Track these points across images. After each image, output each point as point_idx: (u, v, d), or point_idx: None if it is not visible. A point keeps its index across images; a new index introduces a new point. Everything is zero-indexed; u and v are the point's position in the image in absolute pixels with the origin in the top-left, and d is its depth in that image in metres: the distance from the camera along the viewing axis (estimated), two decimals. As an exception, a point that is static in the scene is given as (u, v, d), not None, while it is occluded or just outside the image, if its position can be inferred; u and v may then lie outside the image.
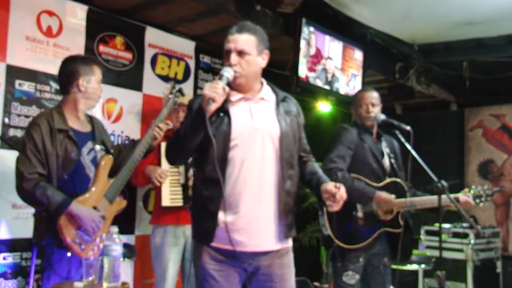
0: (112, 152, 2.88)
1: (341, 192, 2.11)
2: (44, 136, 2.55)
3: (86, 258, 2.30)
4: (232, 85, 2.17)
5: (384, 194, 3.03)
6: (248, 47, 2.17)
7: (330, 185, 2.15)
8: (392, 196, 3.05)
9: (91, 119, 2.85)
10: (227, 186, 2.11)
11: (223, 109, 2.15)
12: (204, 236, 2.16)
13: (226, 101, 2.16)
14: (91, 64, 2.77)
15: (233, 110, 2.17)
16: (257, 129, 2.17)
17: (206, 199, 2.14)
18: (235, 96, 2.21)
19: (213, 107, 2.06)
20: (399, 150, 3.35)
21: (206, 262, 2.15)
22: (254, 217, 2.12)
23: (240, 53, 2.16)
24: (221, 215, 2.11)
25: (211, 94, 2.03)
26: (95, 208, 2.63)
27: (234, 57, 2.15)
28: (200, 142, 2.13)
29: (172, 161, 2.31)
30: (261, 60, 2.23)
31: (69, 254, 2.53)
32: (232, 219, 2.10)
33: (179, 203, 3.46)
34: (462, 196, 3.19)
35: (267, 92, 2.28)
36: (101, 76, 2.81)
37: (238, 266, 2.17)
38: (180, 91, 3.30)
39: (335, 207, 2.12)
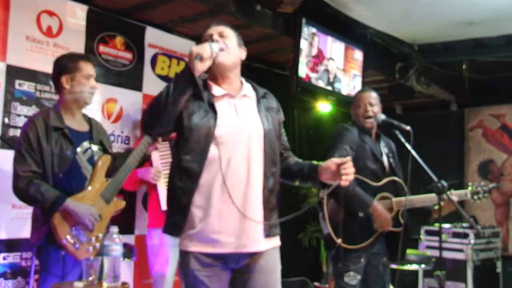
0: (111, 153, 2.86)
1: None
2: (40, 134, 2.54)
3: (86, 258, 2.29)
4: (213, 71, 2.12)
5: (380, 209, 3.04)
6: (228, 33, 2.19)
7: (335, 159, 2.11)
8: (389, 216, 3.05)
9: (89, 120, 2.82)
10: (213, 187, 2.05)
11: (208, 102, 2.08)
12: (172, 228, 2.10)
13: (210, 94, 2.11)
14: (76, 60, 2.69)
15: (218, 106, 2.10)
16: (243, 127, 2.11)
17: (178, 190, 2.07)
18: (218, 91, 2.15)
19: (200, 67, 1.97)
20: (396, 150, 3.35)
21: (195, 269, 2.06)
22: (241, 218, 2.05)
23: (221, 35, 2.17)
24: (206, 216, 2.04)
25: (199, 50, 1.97)
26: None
27: (216, 37, 2.16)
28: (180, 127, 2.06)
29: (149, 129, 2.16)
30: (239, 53, 2.22)
31: (62, 252, 2.52)
32: (219, 221, 2.04)
33: None
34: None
35: (248, 89, 2.24)
36: (90, 72, 2.71)
37: (227, 268, 2.12)
38: None
39: (346, 181, 2.05)
